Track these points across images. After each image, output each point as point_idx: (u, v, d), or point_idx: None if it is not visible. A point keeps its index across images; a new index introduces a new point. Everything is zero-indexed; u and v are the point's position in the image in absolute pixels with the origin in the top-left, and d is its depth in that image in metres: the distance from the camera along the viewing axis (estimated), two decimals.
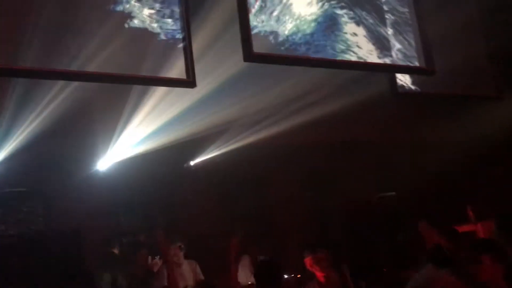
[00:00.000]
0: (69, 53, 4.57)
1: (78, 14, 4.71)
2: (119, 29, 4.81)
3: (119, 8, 4.85)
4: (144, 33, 4.93)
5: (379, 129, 8.90)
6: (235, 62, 5.54)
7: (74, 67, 4.57)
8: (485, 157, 8.67)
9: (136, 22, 4.87)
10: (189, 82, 5.24)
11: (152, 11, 5.01)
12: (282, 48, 5.39)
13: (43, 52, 4.46)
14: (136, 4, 4.90)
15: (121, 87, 6.03)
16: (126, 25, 4.85)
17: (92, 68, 4.62)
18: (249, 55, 5.19)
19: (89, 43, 4.64)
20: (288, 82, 6.81)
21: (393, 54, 6.28)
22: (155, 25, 4.99)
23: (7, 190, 7.23)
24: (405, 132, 8.99)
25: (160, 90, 6.33)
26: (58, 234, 7.20)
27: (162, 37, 5.03)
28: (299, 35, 5.47)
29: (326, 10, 5.69)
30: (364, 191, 8.80)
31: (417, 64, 6.49)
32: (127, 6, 4.87)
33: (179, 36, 5.12)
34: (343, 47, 5.82)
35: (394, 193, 8.40)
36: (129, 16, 4.86)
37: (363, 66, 6.15)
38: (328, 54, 5.75)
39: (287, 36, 5.40)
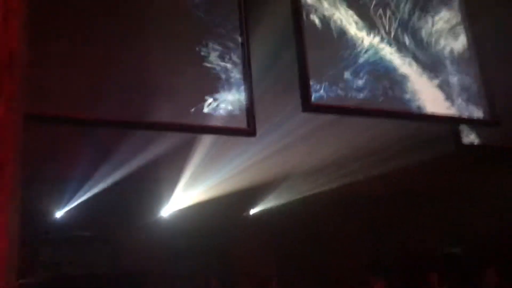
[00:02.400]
0: (135, 102, 4.72)
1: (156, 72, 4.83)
2: (184, 78, 4.94)
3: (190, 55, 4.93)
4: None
5: (442, 180, 8.67)
6: (294, 111, 5.56)
7: (141, 116, 4.71)
8: None
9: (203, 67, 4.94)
10: (249, 131, 5.28)
11: (217, 56, 5.06)
12: (342, 95, 5.35)
13: (112, 103, 4.64)
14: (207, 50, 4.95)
15: (185, 134, 6.22)
16: (191, 72, 4.95)
17: (154, 117, 4.74)
18: (308, 106, 5.16)
19: (155, 93, 4.79)
20: (348, 132, 6.80)
21: (456, 104, 6.17)
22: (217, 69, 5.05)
23: (76, 234, 7.56)
24: (469, 184, 8.71)
25: (222, 138, 6.48)
26: (122, 277, 7.40)
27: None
28: (361, 83, 5.46)
29: (383, 58, 5.68)
30: (427, 243, 8.52)
31: (480, 115, 6.33)
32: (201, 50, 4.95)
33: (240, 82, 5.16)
34: (405, 97, 5.76)
35: (459, 249, 8.07)
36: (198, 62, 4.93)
37: (424, 117, 6.05)
38: (390, 105, 5.67)
39: (347, 84, 5.37)
